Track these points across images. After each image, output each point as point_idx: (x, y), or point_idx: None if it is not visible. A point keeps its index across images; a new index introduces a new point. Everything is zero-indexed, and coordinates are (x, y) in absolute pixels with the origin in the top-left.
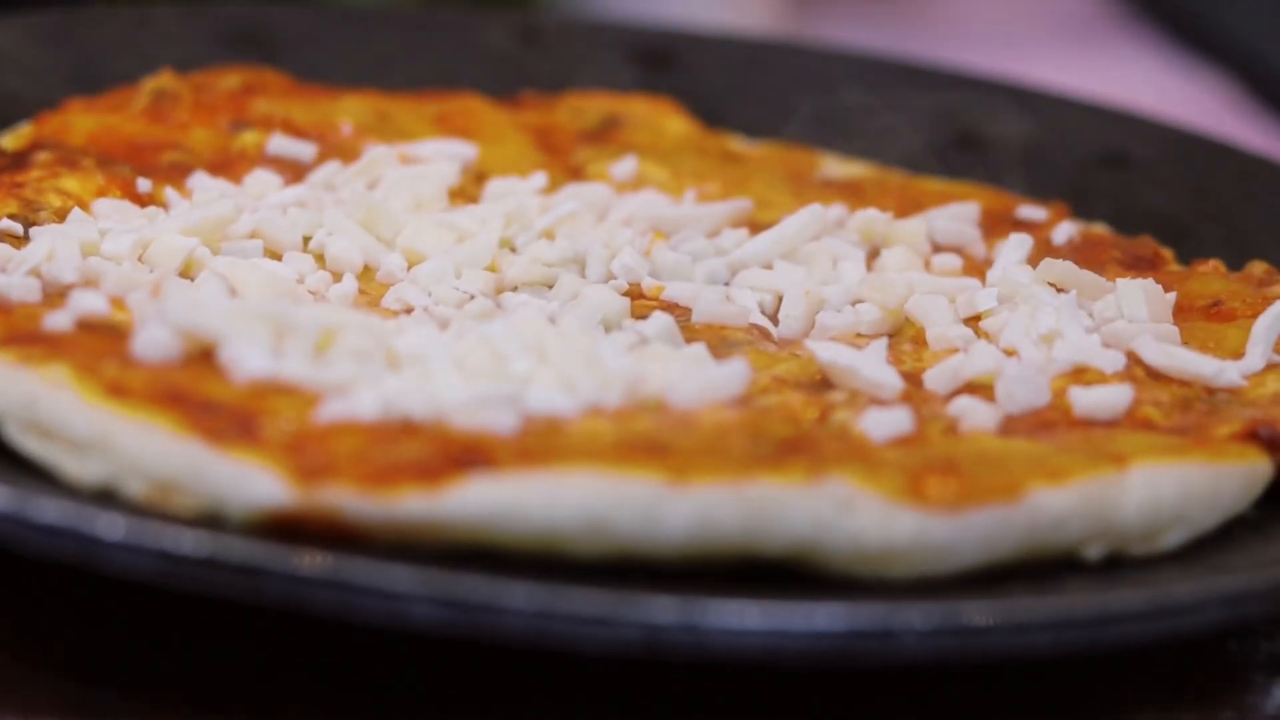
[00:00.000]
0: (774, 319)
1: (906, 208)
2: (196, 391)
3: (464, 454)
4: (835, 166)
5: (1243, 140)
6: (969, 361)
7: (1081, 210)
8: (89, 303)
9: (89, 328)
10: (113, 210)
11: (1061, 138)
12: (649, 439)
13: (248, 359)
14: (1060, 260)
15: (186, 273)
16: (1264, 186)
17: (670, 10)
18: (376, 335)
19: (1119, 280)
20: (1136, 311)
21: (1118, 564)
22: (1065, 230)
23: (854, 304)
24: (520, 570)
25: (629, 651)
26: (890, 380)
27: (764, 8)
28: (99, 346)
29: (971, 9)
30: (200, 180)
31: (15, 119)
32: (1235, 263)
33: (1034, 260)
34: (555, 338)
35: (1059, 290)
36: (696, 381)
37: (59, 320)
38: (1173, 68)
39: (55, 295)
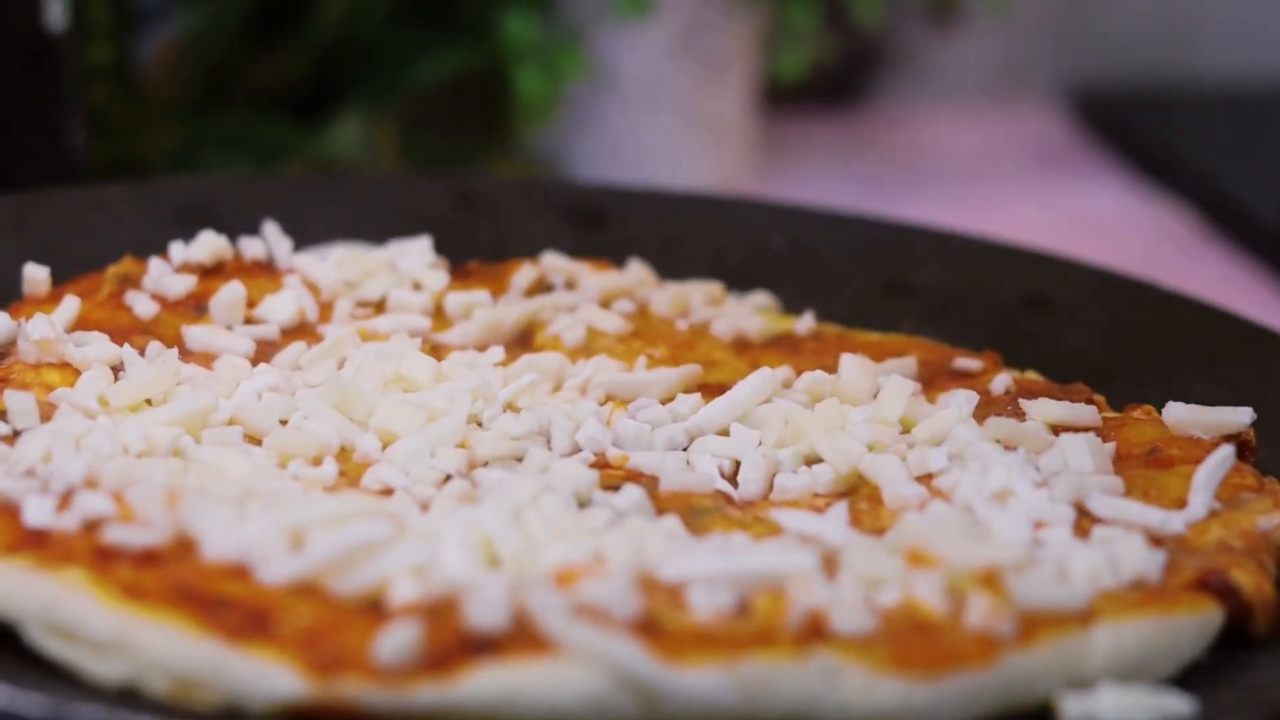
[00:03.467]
0: (733, 481)
1: None
2: (209, 589)
3: (470, 642)
4: (772, 322)
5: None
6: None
7: (1009, 353)
8: (94, 504)
9: (94, 527)
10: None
11: (985, 282)
12: (643, 618)
13: (275, 568)
14: (1005, 419)
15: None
16: (1181, 323)
17: (636, 170)
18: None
19: (1063, 435)
20: (1082, 464)
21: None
22: (1002, 381)
23: (809, 464)
24: None
25: None
26: None
27: (733, 155)
28: (109, 545)
29: (940, 139)
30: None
31: None
32: (1161, 401)
33: (976, 410)
34: (539, 519)
35: (1006, 446)
36: (682, 560)
37: (66, 522)
38: (1134, 195)
39: (61, 496)
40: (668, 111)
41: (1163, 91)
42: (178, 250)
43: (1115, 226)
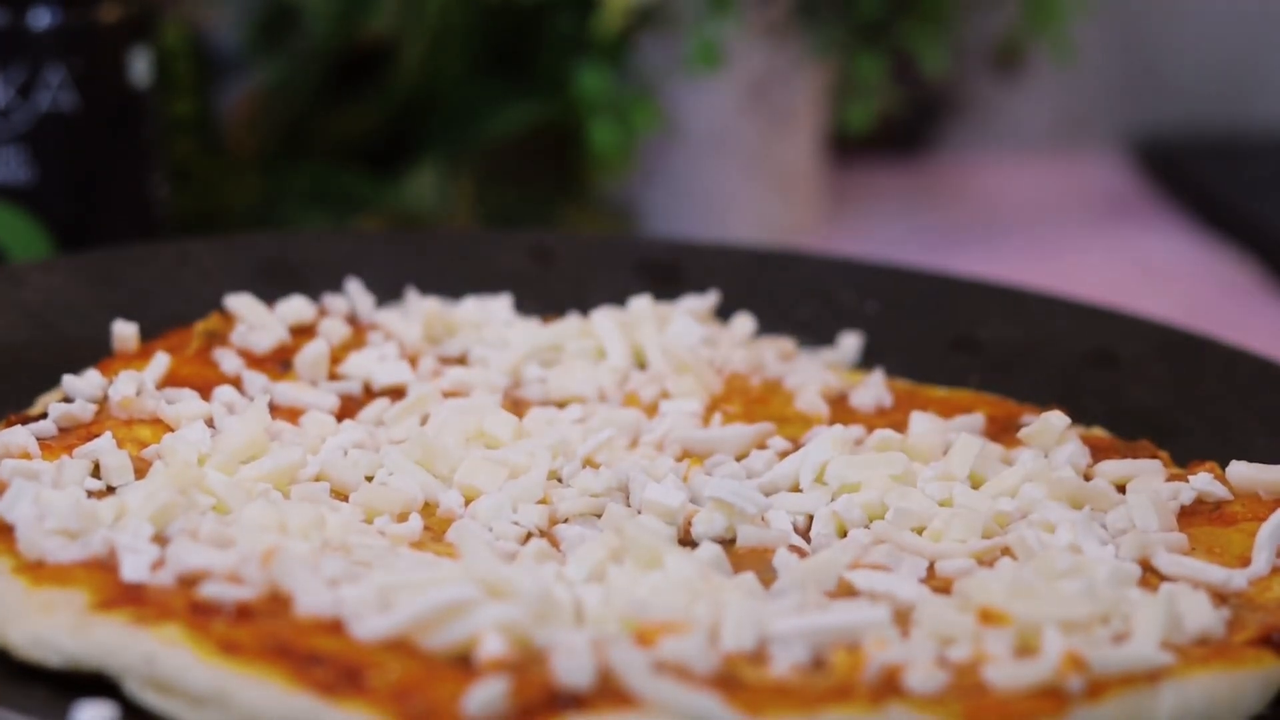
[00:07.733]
0: (806, 536)
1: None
2: (303, 645)
3: (557, 697)
4: (839, 377)
5: (1227, 330)
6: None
7: (1074, 409)
8: (189, 559)
9: (190, 582)
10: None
11: (1050, 338)
12: (723, 673)
13: (368, 625)
14: (1070, 478)
15: None
16: (1244, 380)
17: (705, 220)
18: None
19: (1129, 493)
20: (1147, 522)
21: None
22: None
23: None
24: None
25: None
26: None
27: (801, 205)
28: (205, 600)
29: (1005, 189)
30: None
31: (70, 359)
32: (1224, 457)
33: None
34: (620, 576)
35: (1073, 504)
36: (759, 617)
37: (163, 577)
38: (1197, 244)
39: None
40: (737, 162)
41: (1226, 140)
42: (265, 311)
43: (1178, 275)
